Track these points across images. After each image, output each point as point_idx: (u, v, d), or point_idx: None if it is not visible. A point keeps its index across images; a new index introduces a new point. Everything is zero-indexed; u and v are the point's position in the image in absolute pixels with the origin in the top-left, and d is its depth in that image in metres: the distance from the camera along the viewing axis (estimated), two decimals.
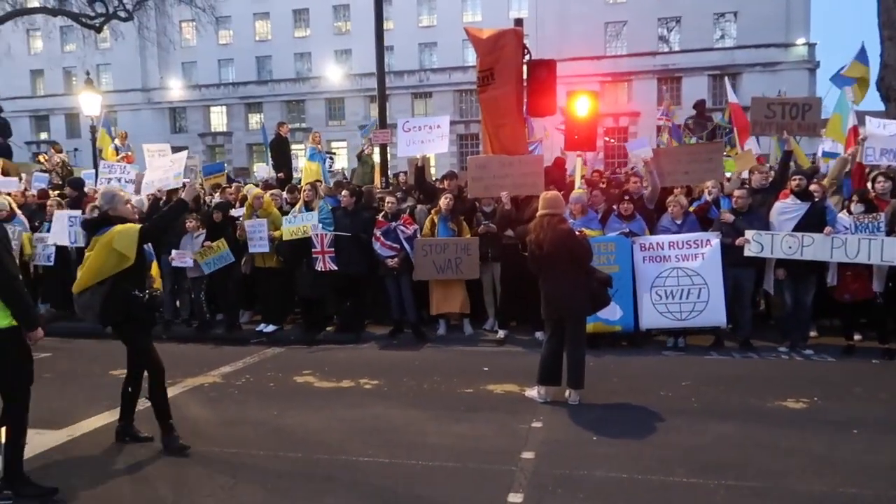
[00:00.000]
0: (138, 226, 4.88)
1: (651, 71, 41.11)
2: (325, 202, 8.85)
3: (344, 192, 8.97)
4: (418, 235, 8.26)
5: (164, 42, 40.35)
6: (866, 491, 4.05)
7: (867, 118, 8.11)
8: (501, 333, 8.20)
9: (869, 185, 7.69)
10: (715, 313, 7.40)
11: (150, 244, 5.63)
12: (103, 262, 4.71)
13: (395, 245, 8.17)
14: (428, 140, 8.84)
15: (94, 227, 4.90)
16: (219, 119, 51.53)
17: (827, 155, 11.25)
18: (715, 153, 8.60)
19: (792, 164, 8.67)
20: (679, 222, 7.68)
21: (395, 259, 8.16)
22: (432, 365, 7.26)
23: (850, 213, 7.28)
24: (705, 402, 5.81)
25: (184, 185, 6.98)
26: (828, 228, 7.11)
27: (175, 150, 10.27)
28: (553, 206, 5.78)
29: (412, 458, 4.68)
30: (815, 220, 7.23)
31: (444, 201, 8.26)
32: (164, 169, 9.22)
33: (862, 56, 10.38)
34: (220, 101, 50.89)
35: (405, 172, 11.69)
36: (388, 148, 11.87)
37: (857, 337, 7.56)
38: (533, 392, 5.95)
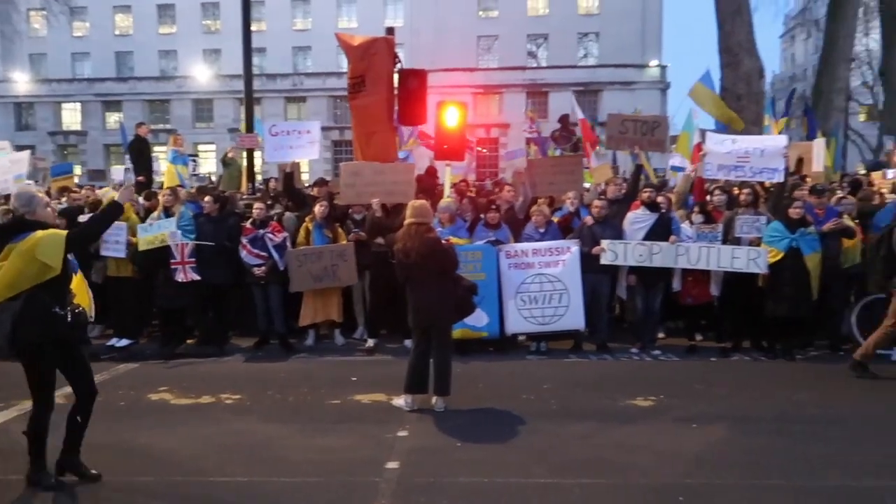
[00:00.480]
0: (64, 232, 4.29)
1: (521, 85, 42.74)
2: (187, 208, 8.42)
3: (207, 198, 8.58)
4: (287, 243, 8.05)
5: (8, 31, 36.87)
6: (699, 481, 4.39)
7: (707, 135, 8.86)
8: (371, 342, 8.16)
9: (709, 197, 8.43)
10: (575, 317, 7.77)
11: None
12: (19, 274, 4.05)
13: (262, 253, 7.92)
14: (297, 146, 8.67)
15: (9, 233, 4.22)
16: (72, 117, 47.77)
17: (675, 169, 12.19)
18: (577, 165, 9.08)
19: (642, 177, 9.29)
20: (542, 230, 8.01)
21: (263, 268, 7.90)
22: (299, 377, 7.09)
23: (692, 223, 7.91)
24: (564, 404, 6.08)
25: (117, 186, 6.18)
26: (673, 237, 7.68)
27: (18, 149, 9.38)
28: (420, 215, 5.83)
29: (273, 475, 4.54)
30: (662, 230, 7.78)
31: (318, 208, 8.13)
32: (2, 170, 8.39)
33: (706, 78, 11.29)
34: (73, 98, 47.22)
35: (276, 178, 11.39)
36: (256, 153, 11.53)
37: (698, 337, 8.21)
38: (400, 401, 5.96)
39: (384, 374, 6.91)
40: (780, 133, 12.46)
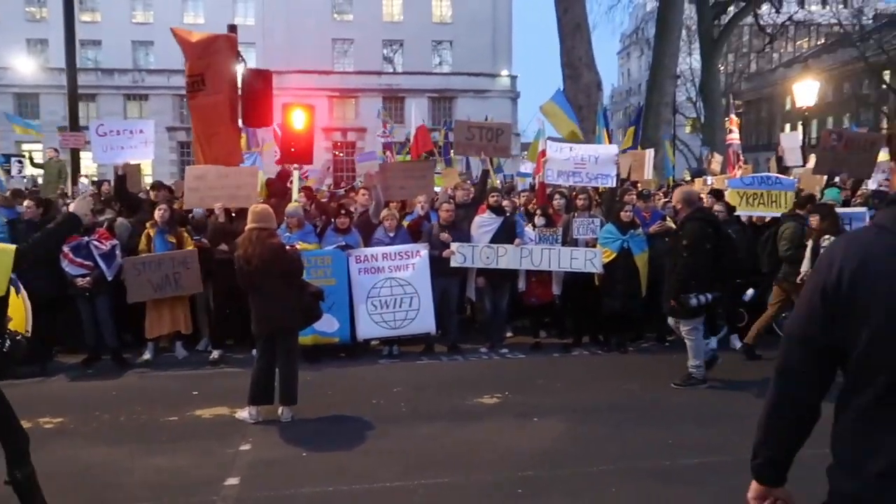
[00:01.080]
0: (12, 246, 3.64)
1: (377, 89, 42.77)
2: (0, 214, 7.59)
3: (27, 202, 7.78)
4: (118, 251, 7.47)
5: None
6: (538, 472, 4.59)
7: (548, 143, 9.34)
8: (216, 354, 7.77)
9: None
10: (425, 320, 7.87)
11: None
12: None
13: (87, 262, 7.28)
14: (129, 146, 8.09)
15: None
16: None
17: (521, 175, 12.76)
18: (427, 170, 9.21)
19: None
20: (392, 235, 8.04)
21: (87, 278, 7.27)
22: (134, 394, 6.60)
23: (534, 226, 8.29)
24: (414, 406, 6.13)
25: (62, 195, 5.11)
26: (517, 240, 8.01)
27: None
28: (262, 220, 5.64)
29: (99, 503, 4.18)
30: (507, 233, 8.08)
31: (158, 213, 7.63)
32: None
33: (558, 97, 11.88)
34: None
35: (110, 181, 10.56)
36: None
37: (542, 335, 8.61)
38: (244, 413, 5.72)
39: (229, 386, 6.60)
40: (633, 143, 13.35)
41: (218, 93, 7.96)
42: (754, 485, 2.02)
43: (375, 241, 8.03)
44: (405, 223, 8.51)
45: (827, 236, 6.67)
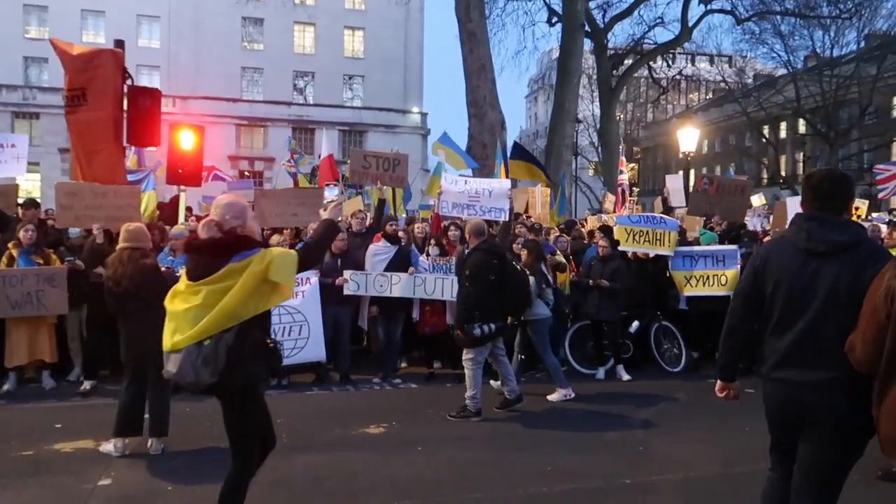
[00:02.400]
0: (293, 251, 3.51)
1: (287, 120, 42.32)
2: None
3: None
4: None
5: None
6: (413, 502, 4.51)
7: (444, 175, 9.47)
8: (87, 385, 7.27)
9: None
10: (316, 349, 7.67)
11: None
12: (247, 299, 3.27)
13: None
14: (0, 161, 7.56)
15: (223, 250, 3.33)
16: None
17: (423, 208, 12.86)
18: (318, 198, 9.09)
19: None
20: None
21: None
22: None
23: (428, 255, 8.32)
24: (296, 437, 5.90)
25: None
26: (411, 269, 8.01)
27: None
28: (134, 239, 5.36)
29: None
30: (401, 262, 8.08)
31: (23, 234, 7.11)
32: None
33: (444, 139, 12.21)
34: None
35: None
36: None
37: (437, 364, 8.59)
38: (109, 446, 5.34)
39: (98, 418, 6.13)
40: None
41: (100, 109, 7.63)
42: (719, 382, 3.45)
43: None
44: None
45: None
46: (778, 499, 3.20)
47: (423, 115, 45.12)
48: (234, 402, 3.47)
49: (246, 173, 38.44)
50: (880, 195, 13.26)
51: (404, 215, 11.28)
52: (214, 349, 3.21)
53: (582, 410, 7.00)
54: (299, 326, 7.58)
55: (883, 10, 36.32)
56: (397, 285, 7.93)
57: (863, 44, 39.53)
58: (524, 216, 10.37)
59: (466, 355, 6.59)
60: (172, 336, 3.33)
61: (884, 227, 8.45)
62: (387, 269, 8.00)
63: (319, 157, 16.54)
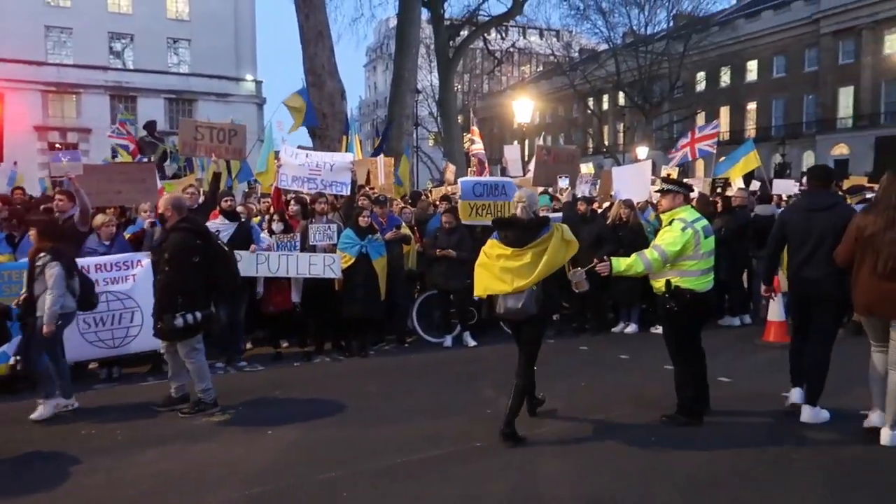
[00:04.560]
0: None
1: (103, 86, 38.55)
2: None
3: None
4: None
5: None
6: (266, 488, 4.38)
7: (283, 148, 9.10)
8: None
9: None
10: (150, 337, 7.13)
11: None
12: (556, 255, 4.98)
13: None
14: None
15: (535, 229, 5.04)
16: None
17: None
18: (148, 174, 8.41)
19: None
20: (108, 243, 7.21)
21: None
22: None
23: (272, 232, 8.02)
24: (134, 432, 5.51)
25: None
26: (253, 246, 7.68)
27: None
28: None
29: None
30: (242, 239, 7.71)
31: None
32: None
33: (303, 91, 11.67)
34: None
35: None
36: None
37: (284, 344, 8.38)
38: None
39: None
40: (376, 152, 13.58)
41: None
42: (763, 287, 6.16)
43: (87, 250, 7.10)
44: (126, 235, 7.69)
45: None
46: (798, 352, 5.60)
47: (258, 83, 43.05)
48: (538, 325, 5.17)
49: (57, 146, 34.60)
50: (670, 164, 14.57)
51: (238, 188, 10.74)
52: (539, 291, 4.99)
53: (432, 378, 7.16)
54: (131, 313, 7.05)
55: None
56: (238, 264, 7.55)
57: (672, 23, 43.28)
58: (367, 188, 10.28)
59: (182, 349, 5.87)
60: (512, 283, 4.98)
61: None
62: (227, 246, 7.59)
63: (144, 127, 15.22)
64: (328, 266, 7.90)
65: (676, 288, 5.23)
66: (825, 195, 5.50)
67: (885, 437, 4.87)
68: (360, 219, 8.08)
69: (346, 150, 12.43)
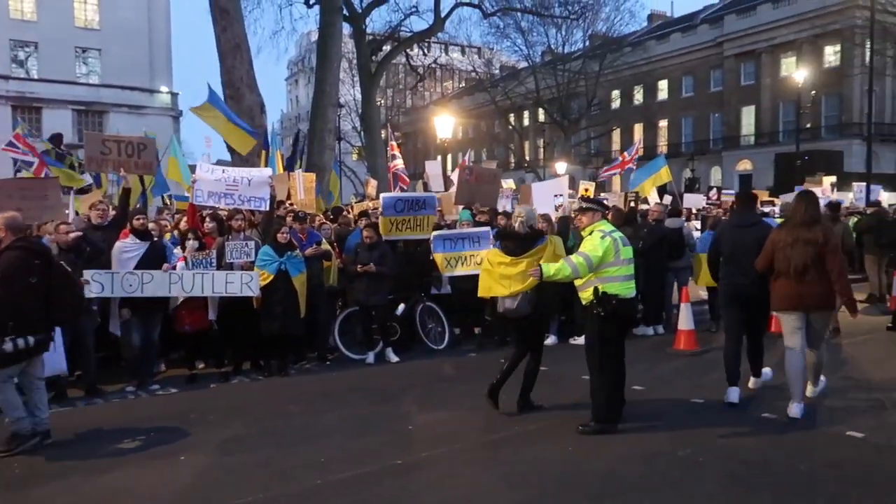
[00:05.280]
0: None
1: (4, 97, 36.42)
2: None
3: None
4: None
5: None
6: None
7: (198, 164, 8.84)
8: None
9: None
10: (53, 361, 6.74)
11: None
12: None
13: None
14: None
15: (531, 239, 5.87)
16: None
17: (179, 199, 11.93)
18: (52, 189, 8.00)
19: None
20: None
21: None
22: None
23: (184, 249, 7.76)
24: (32, 465, 5.18)
25: None
26: (166, 265, 7.41)
27: None
28: None
29: None
30: (155, 258, 7.43)
31: None
32: None
33: (213, 100, 11.25)
34: None
35: None
36: None
37: (200, 365, 8.10)
38: None
39: None
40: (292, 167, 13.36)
41: None
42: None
43: None
44: None
45: None
46: (733, 354, 6.34)
47: (174, 95, 41.71)
48: (536, 323, 6.02)
49: None
50: (601, 172, 15.99)
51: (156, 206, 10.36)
52: (533, 294, 5.77)
53: (353, 396, 7.08)
54: None
55: (602, 14, 41.49)
56: (150, 284, 7.29)
57: (588, 43, 44.84)
58: (287, 203, 10.12)
59: None
60: (510, 287, 5.78)
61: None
62: (138, 266, 7.31)
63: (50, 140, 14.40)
64: (246, 284, 7.70)
65: (604, 294, 5.50)
66: (750, 215, 6.67)
67: (793, 410, 5.78)
68: (279, 235, 7.94)
69: (267, 166, 12.22)
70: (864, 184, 20.09)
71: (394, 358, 8.59)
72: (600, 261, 5.46)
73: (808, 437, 5.43)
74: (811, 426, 5.66)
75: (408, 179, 15.82)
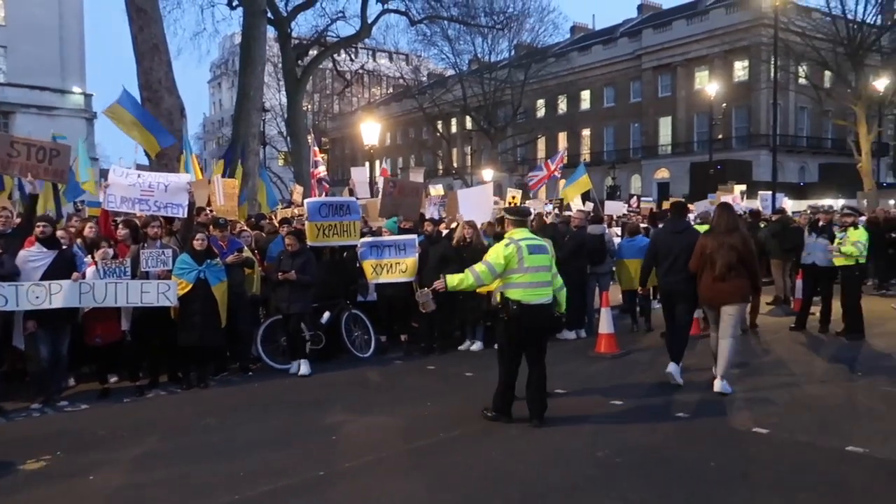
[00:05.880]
0: None
1: None
2: None
3: None
4: None
5: None
6: None
7: (111, 168, 8.50)
8: None
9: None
10: None
11: None
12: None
13: None
14: None
15: None
16: None
17: (91, 205, 11.39)
18: None
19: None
20: None
21: None
22: None
23: (96, 258, 7.40)
24: None
25: None
26: (76, 274, 7.05)
27: None
28: None
29: None
30: (64, 267, 7.06)
31: None
32: None
33: (124, 100, 10.63)
34: None
35: None
36: None
37: (113, 379, 7.73)
38: None
39: None
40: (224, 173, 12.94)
41: None
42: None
43: None
44: None
45: None
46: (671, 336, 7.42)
47: (88, 96, 39.81)
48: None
49: None
50: (530, 185, 16.41)
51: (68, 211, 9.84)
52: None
53: (276, 407, 6.93)
54: None
55: (527, 25, 42.42)
56: (58, 295, 6.91)
57: (513, 52, 45.70)
58: (207, 209, 9.83)
59: None
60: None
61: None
62: (45, 276, 6.93)
63: None
64: (162, 293, 7.41)
65: (506, 299, 5.74)
66: (682, 222, 7.64)
67: (717, 386, 6.78)
68: (195, 242, 7.67)
69: (184, 171, 11.83)
70: (770, 192, 21.27)
71: (305, 371, 8.28)
72: (503, 268, 5.67)
73: (719, 434, 5.69)
74: (721, 423, 5.94)
75: (328, 186, 15.68)
